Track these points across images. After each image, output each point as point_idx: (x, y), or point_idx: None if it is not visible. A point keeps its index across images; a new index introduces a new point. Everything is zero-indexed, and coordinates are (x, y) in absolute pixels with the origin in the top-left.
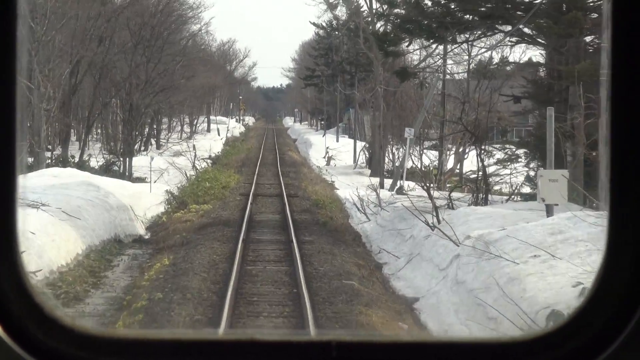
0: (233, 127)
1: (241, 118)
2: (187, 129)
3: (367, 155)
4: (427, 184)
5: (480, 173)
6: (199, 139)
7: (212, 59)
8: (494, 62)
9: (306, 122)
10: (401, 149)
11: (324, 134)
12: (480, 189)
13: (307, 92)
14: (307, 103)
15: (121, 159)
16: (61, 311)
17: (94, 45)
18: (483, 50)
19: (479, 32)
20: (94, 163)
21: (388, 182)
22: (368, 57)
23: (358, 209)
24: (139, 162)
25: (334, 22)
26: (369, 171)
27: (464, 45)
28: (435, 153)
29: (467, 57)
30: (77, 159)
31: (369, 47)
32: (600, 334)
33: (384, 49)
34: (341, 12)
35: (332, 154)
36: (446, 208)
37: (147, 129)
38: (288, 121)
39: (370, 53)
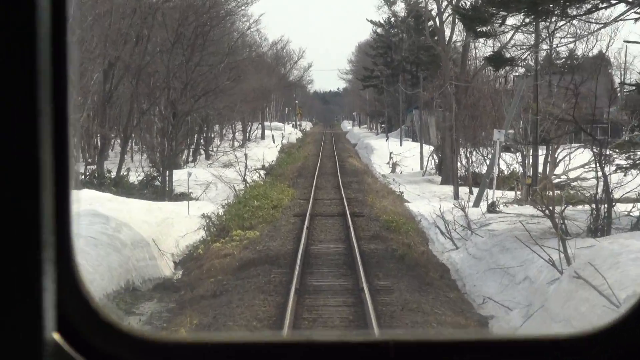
0: (289, 132)
1: (298, 123)
2: (240, 136)
3: (437, 161)
4: (546, 203)
5: (601, 185)
6: (251, 147)
7: (264, 60)
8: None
9: (365, 126)
10: (474, 153)
11: (387, 138)
12: (600, 204)
13: (366, 94)
14: (365, 105)
15: (165, 171)
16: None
17: (130, 46)
18: (597, 27)
19: (590, 5)
20: (133, 178)
21: (462, 190)
22: (431, 53)
23: (441, 232)
24: (185, 176)
25: (393, 19)
26: (439, 178)
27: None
28: (512, 156)
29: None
30: (114, 174)
31: (437, 41)
32: None
33: (473, 29)
34: (400, 7)
35: (396, 160)
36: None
37: (195, 138)
38: (346, 125)
39: (437, 46)
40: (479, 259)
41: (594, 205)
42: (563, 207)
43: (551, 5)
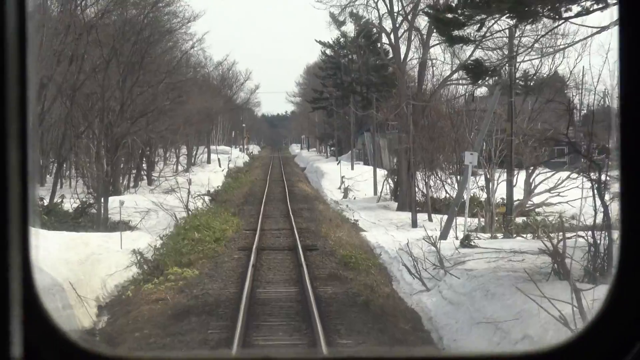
0: (236, 156)
1: (245, 147)
2: (184, 160)
3: (391, 185)
4: (552, 240)
5: (601, 216)
6: (196, 172)
7: (209, 81)
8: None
9: (314, 149)
10: (432, 177)
11: (338, 162)
12: (597, 243)
13: (315, 116)
14: (314, 128)
15: (100, 199)
16: (76, 334)
17: (64, 65)
18: (594, 31)
19: (581, 8)
20: (68, 205)
21: (420, 217)
22: (382, 74)
23: (407, 269)
24: (126, 202)
25: (342, 40)
26: (395, 204)
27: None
28: (472, 179)
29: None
30: (48, 201)
31: (391, 59)
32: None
33: (448, 34)
34: (350, 27)
35: (348, 185)
36: (550, 274)
37: (137, 162)
38: (295, 149)
39: (392, 65)
40: (457, 305)
41: (591, 240)
42: (556, 242)
43: (539, 6)
